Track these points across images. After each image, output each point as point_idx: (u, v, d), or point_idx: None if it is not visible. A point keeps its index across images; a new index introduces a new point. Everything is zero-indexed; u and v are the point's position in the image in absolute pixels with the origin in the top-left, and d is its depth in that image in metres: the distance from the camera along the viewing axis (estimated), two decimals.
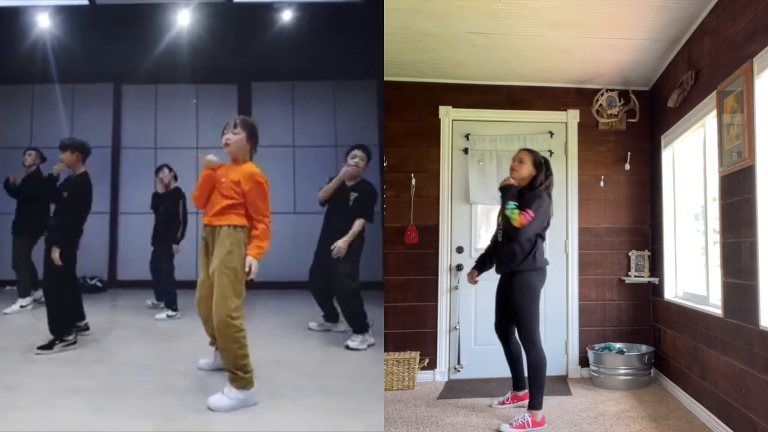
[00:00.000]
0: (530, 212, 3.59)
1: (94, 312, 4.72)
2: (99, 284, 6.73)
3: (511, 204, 3.64)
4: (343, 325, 4.54)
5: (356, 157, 4.32)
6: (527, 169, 3.77)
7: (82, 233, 4.17)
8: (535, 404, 3.70)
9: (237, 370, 2.88)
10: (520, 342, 3.83)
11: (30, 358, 3.81)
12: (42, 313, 4.20)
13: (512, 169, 3.82)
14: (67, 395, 3.07)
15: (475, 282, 4.15)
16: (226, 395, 2.88)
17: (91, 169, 4.31)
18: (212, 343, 3.51)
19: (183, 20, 5.68)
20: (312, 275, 4.53)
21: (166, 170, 5.53)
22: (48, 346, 3.92)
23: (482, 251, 4.24)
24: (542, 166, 3.79)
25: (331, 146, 7.05)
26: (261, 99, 7.25)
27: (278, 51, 6.09)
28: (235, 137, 3.00)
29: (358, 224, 4.17)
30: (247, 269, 2.90)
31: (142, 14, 5.53)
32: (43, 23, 5.64)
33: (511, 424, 3.66)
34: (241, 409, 2.89)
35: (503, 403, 4.12)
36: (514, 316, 3.80)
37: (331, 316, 4.68)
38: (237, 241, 2.93)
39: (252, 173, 2.96)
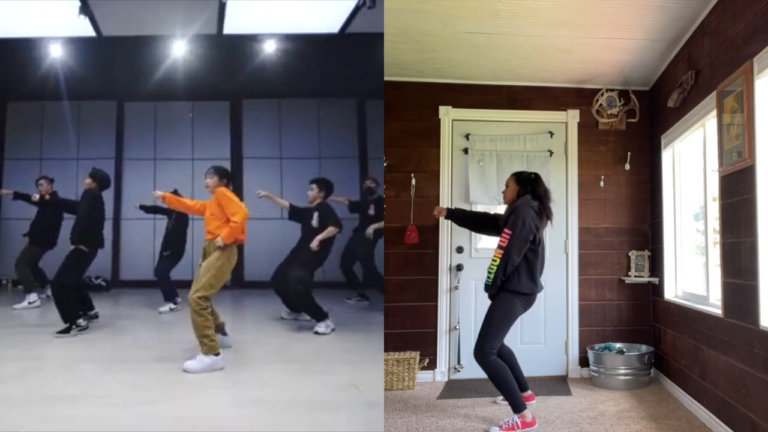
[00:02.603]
0: (506, 230, 3.67)
1: (100, 307, 5.29)
2: (103, 283, 7.23)
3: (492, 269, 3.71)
4: None
5: (309, 189, 5.05)
6: (512, 191, 3.92)
7: (101, 240, 4.90)
8: (516, 407, 3.72)
9: (203, 338, 3.62)
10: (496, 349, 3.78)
11: (49, 339, 4.44)
12: (46, 309, 5.14)
13: (504, 196, 4.03)
14: (83, 362, 3.84)
15: (440, 212, 4.31)
16: (197, 360, 3.60)
17: None
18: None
19: (179, 50, 6.31)
20: (274, 276, 5.29)
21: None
22: (65, 331, 4.56)
23: (476, 216, 4.38)
24: (527, 180, 3.89)
25: (315, 158, 7.82)
26: (251, 115, 7.96)
27: (266, 74, 6.79)
28: (211, 181, 4.02)
29: (329, 230, 4.84)
30: (218, 242, 3.79)
31: (143, 44, 6.16)
32: (56, 52, 6.30)
33: (501, 426, 3.68)
34: (214, 372, 3.60)
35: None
36: (482, 324, 3.79)
37: (295, 308, 5.23)
38: (222, 251, 3.79)
39: (217, 193, 3.95)
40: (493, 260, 3.67)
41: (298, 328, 4.92)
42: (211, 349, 3.62)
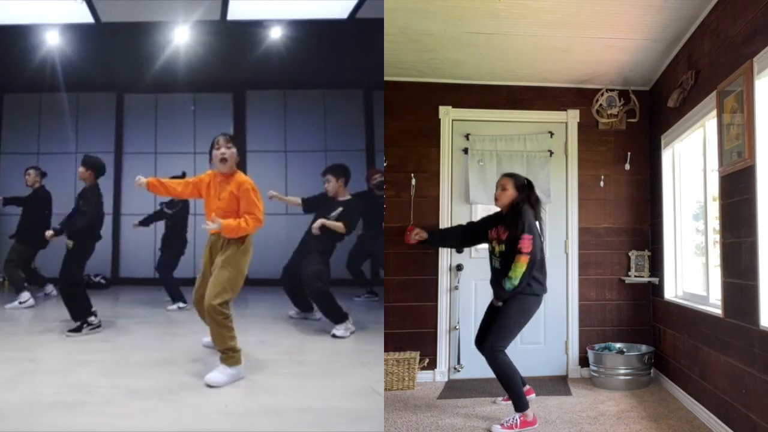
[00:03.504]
0: (525, 236, 3.63)
1: (100, 306, 5.12)
2: (102, 281, 7.15)
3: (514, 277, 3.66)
4: (318, 313, 4.83)
5: (325, 182, 4.67)
6: (510, 196, 3.85)
7: (99, 238, 4.60)
8: (519, 406, 3.74)
9: (227, 350, 3.30)
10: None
11: (43, 341, 4.29)
12: (42, 308, 4.99)
13: (496, 198, 3.94)
14: (79, 365, 3.63)
15: (416, 235, 4.35)
16: (220, 372, 3.27)
17: None
18: None
19: (181, 37, 6.12)
20: (285, 273, 4.90)
21: None
22: (77, 330, 4.40)
23: (458, 230, 4.43)
24: (524, 187, 3.86)
25: (321, 151, 7.60)
26: (255, 107, 7.75)
27: (271, 63, 6.61)
28: (230, 152, 3.39)
29: (339, 225, 4.49)
30: (211, 225, 3.29)
31: (143, 30, 6.01)
32: (53, 40, 6.11)
33: (502, 424, 3.71)
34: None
35: (507, 399, 4.12)
36: (495, 323, 3.78)
37: (305, 307, 5.01)
38: (239, 245, 3.37)
39: (242, 183, 3.38)
40: (518, 265, 3.62)
41: (309, 328, 4.74)
42: (236, 361, 3.31)
